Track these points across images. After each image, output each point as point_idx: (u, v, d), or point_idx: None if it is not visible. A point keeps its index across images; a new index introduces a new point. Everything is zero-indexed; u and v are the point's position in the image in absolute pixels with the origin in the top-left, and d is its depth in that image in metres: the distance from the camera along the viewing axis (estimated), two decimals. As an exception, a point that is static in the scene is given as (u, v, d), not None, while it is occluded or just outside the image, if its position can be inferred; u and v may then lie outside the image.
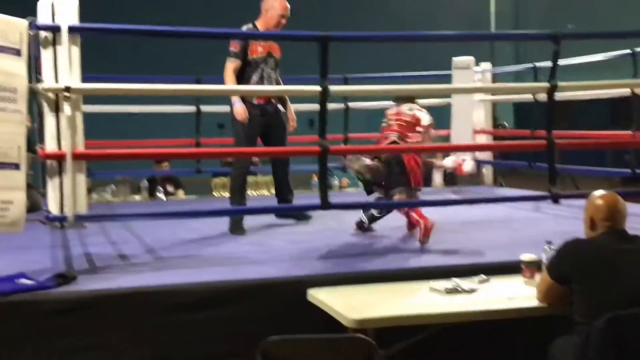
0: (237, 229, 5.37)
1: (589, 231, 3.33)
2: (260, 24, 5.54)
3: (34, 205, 5.80)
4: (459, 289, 3.52)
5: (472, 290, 3.53)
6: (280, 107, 5.71)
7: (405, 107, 5.13)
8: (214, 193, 8.21)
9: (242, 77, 5.43)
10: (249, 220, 5.59)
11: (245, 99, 5.44)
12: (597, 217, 3.28)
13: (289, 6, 5.51)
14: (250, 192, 8.06)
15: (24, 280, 3.67)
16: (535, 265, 3.63)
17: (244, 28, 5.52)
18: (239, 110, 5.35)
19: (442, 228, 5.37)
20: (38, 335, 3.47)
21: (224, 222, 5.65)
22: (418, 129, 5.03)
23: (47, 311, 3.50)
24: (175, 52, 15.61)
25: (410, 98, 5.20)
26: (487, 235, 5.14)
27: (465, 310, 3.33)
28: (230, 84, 5.32)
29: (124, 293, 3.65)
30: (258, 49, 5.46)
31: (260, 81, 5.46)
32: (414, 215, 4.89)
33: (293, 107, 5.75)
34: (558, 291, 3.26)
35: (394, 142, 5.02)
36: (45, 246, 4.89)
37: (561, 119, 6.66)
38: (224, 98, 8.12)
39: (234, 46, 5.40)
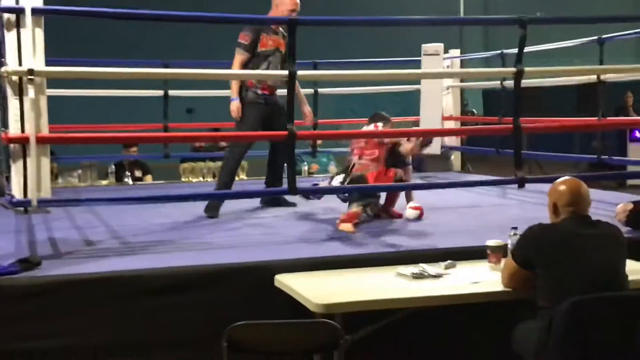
0: (212, 210, 5.36)
1: (552, 217, 3.36)
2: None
3: (-1, 189, 5.73)
4: (426, 274, 3.54)
5: (438, 275, 3.55)
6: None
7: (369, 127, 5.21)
8: (182, 178, 8.15)
9: (249, 69, 5.45)
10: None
11: (250, 88, 5.45)
12: (560, 203, 3.31)
13: (298, 1, 5.50)
14: (208, 179, 8.03)
15: (-14, 266, 3.62)
16: (501, 251, 3.65)
17: None
18: (234, 108, 5.40)
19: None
20: (1, 320, 3.43)
21: (192, 207, 5.63)
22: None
23: (10, 296, 3.46)
24: (146, 37, 15.51)
25: (378, 118, 5.24)
26: (454, 221, 5.17)
27: (431, 295, 3.34)
28: (234, 76, 5.32)
29: (89, 278, 3.62)
30: (268, 43, 5.48)
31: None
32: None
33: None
34: (522, 276, 3.30)
35: (353, 165, 5.05)
36: (8, 231, 4.83)
37: (528, 106, 6.72)
38: (192, 83, 8.10)
39: (244, 38, 5.39)
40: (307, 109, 5.88)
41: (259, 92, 5.52)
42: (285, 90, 4.61)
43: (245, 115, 5.48)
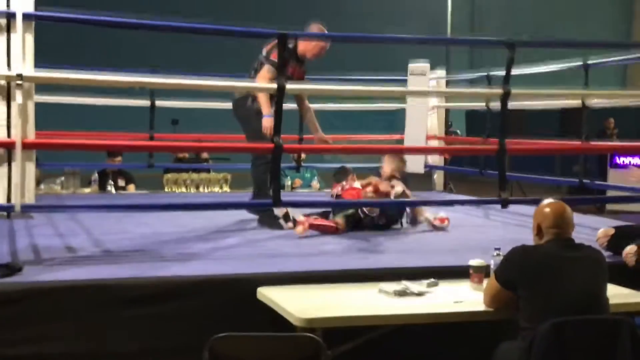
0: (273, 224, 5.37)
1: (536, 238, 3.39)
2: (302, 47, 5.52)
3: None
4: (408, 292, 3.55)
5: (420, 293, 3.56)
6: None
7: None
8: (165, 189, 8.14)
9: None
10: (202, 218, 5.57)
11: (250, 97, 5.43)
12: (544, 225, 3.34)
13: (327, 47, 5.55)
14: (202, 189, 8.04)
15: (-32, 270, 3.59)
16: (483, 271, 3.67)
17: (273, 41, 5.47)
18: (268, 125, 5.19)
19: (392, 230, 5.44)
20: (-20, 325, 3.41)
21: (174, 217, 5.63)
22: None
23: (-10, 302, 3.44)
24: (135, 45, 15.50)
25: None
26: (437, 239, 5.19)
27: (413, 313, 3.35)
28: (260, 91, 5.29)
29: (71, 285, 3.60)
30: (289, 70, 5.36)
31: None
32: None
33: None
34: (505, 296, 3.32)
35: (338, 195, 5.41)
36: (-10, 236, 4.80)
37: (512, 129, 6.75)
38: (178, 93, 8.08)
39: (276, 57, 5.22)
40: (322, 136, 5.84)
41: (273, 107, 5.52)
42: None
43: (257, 121, 5.40)
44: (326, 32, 5.54)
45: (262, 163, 5.44)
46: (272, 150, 4.57)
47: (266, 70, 5.33)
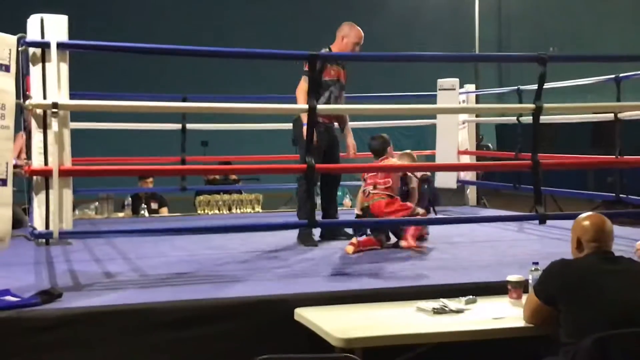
0: (308, 240, 5.44)
1: (575, 252, 3.36)
2: (335, 49, 5.65)
3: (18, 221, 5.76)
4: (446, 309, 3.53)
5: (459, 311, 3.54)
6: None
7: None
8: (198, 211, 8.19)
9: (329, 97, 5.54)
10: (236, 239, 5.58)
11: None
12: (584, 238, 3.30)
13: (363, 34, 5.68)
14: (234, 210, 8.07)
15: (8, 297, 3.63)
16: (521, 286, 3.64)
17: (323, 50, 5.59)
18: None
19: (427, 248, 5.41)
20: (22, 352, 3.43)
21: (208, 239, 5.66)
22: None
23: (31, 328, 3.46)
24: (166, 71, 15.71)
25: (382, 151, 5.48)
26: (473, 256, 5.15)
27: (452, 331, 3.33)
28: (302, 102, 5.31)
29: (109, 311, 3.63)
30: (331, 72, 5.58)
31: (328, 102, 5.56)
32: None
33: (277, 126, 5.77)
34: (545, 312, 3.28)
35: (369, 194, 5.35)
36: (29, 262, 4.86)
37: (545, 142, 6.71)
38: (208, 116, 8.16)
39: (306, 65, 5.41)
40: (352, 142, 5.94)
41: (320, 120, 5.53)
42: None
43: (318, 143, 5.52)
44: (356, 29, 5.64)
45: (304, 183, 5.48)
46: (305, 170, 4.58)
47: (303, 81, 5.43)
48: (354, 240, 5.25)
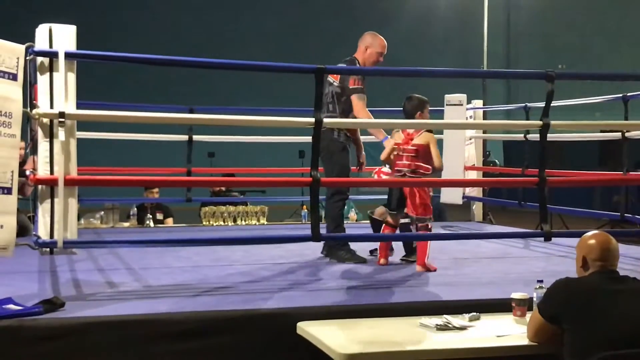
0: (354, 257, 5.42)
1: (580, 270, 3.34)
2: (360, 59, 5.64)
3: (23, 228, 5.77)
4: (450, 326, 3.50)
5: (462, 327, 3.52)
6: None
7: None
8: (203, 222, 8.19)
9: (350, 111, 5.52)
10: (240, 251, 5.57)
11: (341, 130, 5.52)
12: (589, 257, 3.29)
13: (386, 44, 5.68)
14: (239, 222, 8.07)
15: (11, 306, 3.63)
16: (526, 304, 3.63)
17: (342, 63, 5.59)
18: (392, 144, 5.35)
19: (432, 263, 5.39)
20: (23, 361, 3.43)
21: (213, 251, 5.65)
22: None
23: (33, 337, 3.46)
24: (174, 82, 15.76)
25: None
26: (477, 272, 5.13)
27: (455, 348, 3.30)
28: (368, 118, 5.40)
29: (112, 321, 3.62)
30: (362, 84, 5.54)
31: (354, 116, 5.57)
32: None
33: (284, 139, 5.76)
34: (549, 330, 3.26)
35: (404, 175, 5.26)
36: (32, 271, 4.86)
37: (550, 159, 6.68)
38: (215, 128, 8.17)
39: (360, 83, 5.45)
40: (363, 156, 5.96)
41: (348, 134, 5.62)
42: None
43: (343, 157, 5.54)
44: (380, 38, 5.64)
45: (340, 199, 5.48)
46: (310, 184, 4.57)
47: (359, 102, 5.43)
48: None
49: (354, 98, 5.44)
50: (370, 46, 5.62)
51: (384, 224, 5.38)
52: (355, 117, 5.48)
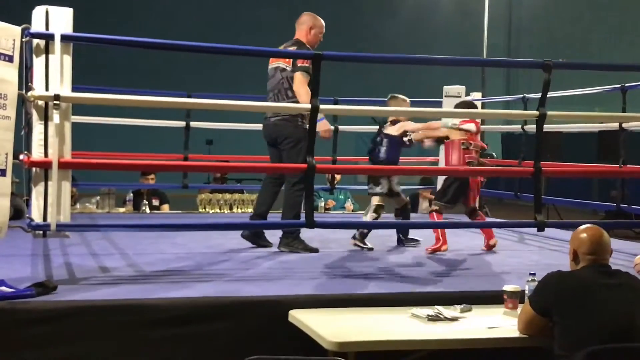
0: (306, 247, 5.40)
1: (572, 264, 3.33)
2: (304, 40, 5.54)
3: (17, 212, 5.76)
4: (441, 317, 3.50)
5: (454, 319, 3.52)
6: None
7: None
8: (199, 209, 8.19)
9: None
10: (235, 238, 5.57)
11: (305, 116, 5.34)
12: (580, 251, 3.28)
13: (323, 30, 5.66)
14: (235, 210, 8.07)
15: (3, 288, 3.62)
16: (518, 296, 3.62)
17: (291, 47, 5.50)
18: (328, 126, 5.32)
19: (425, 254, 5.40)
20: (14, 344, 3.42)
21: (207, 238, 5.64)
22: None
23: (24, 320, 3.45)
24: (172, 69, 15.73)
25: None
26: (471, 264, 5.14)
27: (445, 338, 3.31)
28: (308, 99, 5.09)
29: (104, 305, 3.62)
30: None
31: None
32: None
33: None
34: (539, 323, 3.26)
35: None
36: (25, 254, 4.86)
37: (550, 152, 6.68)
38: (213, 114, 8.14)
39: (307, 62, 5.26)
40: None
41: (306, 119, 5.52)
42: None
43: (304, 143, 5.44)
44: (319, 19, 5.62)
45: (301, 188, 5.43)
46: (305, 171, 4.56)
47: (302, 76, 5.29)
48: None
49: (298, 74, 5.31)
50: (313, 27, 5.57)
51: (435, 213, 5.57)
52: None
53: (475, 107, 5.83)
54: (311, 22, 5.57)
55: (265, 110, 5.33)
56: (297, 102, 5.30)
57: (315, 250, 5.39)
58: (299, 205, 5.43)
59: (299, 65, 5.34)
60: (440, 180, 7.62)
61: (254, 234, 5.58)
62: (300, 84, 5.30)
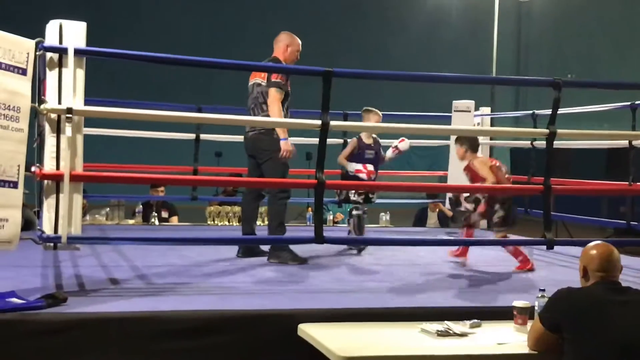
0: (295, 258, 5.43)
1: (582, 281, 3.33)
2: (282, 58, 5.65)
3: (27, 223, 5.79)
4: (450, 332, 3.50)
5: (463, 334, 3.51)
6: None
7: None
8: (208, 221, 8.20)
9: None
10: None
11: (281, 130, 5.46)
12: (590, 267, 3.28)
13: (300, 49, 5.76)
14: (233, 223, 8.07)
15: (14, 299, 3.65)
16: (527, 312, 3.62)
17: (267, 61, 5.61)
18: (288, 148, 5.38)
19: (435, 269, 5.40)
20: (24, 355, 3.44)
21: (216, 250, 5.66)
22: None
23: (35, 331, 3.47)
24: (180, 81, 15.78)
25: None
26: (480, 279, 5.13)
27: (455, 354, 3.30)
28: (278, 115, 5.34)
29: (113, 317, 3.63)
30: (288, 83, 5.56)
31: (287, 113, 5.56)
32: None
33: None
34: (549, 339, 3.25)
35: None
36: (36, 265, 4.88)
37: (558, 168, 6.66)
38: (223, 127, 8.16)
39: (281, 78, 5.42)
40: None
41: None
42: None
43: (286, 161, 5.49)
44: (296, 38, 5.72)
45: (284, 197, 5.48)
46: (315, 186, 4.57)
47: (276, 92, 5.40)
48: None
49: (272, 90, 5.42)
50: (290, 45, 5.68)
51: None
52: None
53: (378, 115, 6.16)
54: (288, 41, 5.70)
55: (275, 126, 5.37)
56: (269, 116, 5.41)
57: (304, 261, 5.42)
58: (283, 213, 5.53)
59: (272, 80, 5.44)
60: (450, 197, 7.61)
61: (250, 250, 5.67)
62: (274, 100, 5.42)
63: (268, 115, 5.42)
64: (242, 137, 8.34)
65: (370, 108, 6.22)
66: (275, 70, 5.47)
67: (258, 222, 7.95)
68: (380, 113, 6.21)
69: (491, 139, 8.70)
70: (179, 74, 15.45)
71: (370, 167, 6.14)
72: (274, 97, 5.41)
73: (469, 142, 5.74)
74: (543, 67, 19.71)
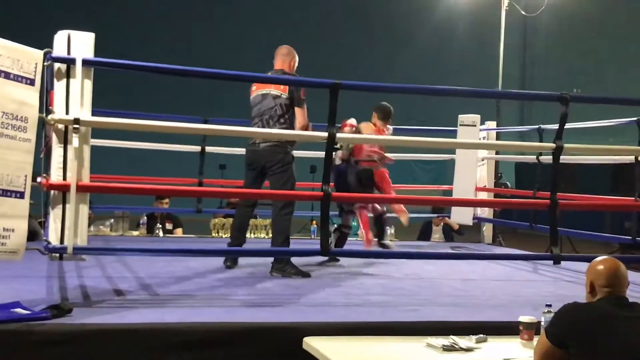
0: (298, 272, 5.42)
1: (589, 296, 3.31)
2: (288, 71, 5.70)
3: (32, 234, 5.79)
4: (456, 347, 3.49)
5: (469, 349, 3.49)
6: None
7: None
8: (212, 233, 8.19)
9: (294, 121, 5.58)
10: (248, 264, 5.57)
11: (293, 145, 5.56)
12: (597, 283, 3.26)
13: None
14: (248, 235, 8.06)
15: (19, 310, 3.64)
16: (533, 328, 3.60)
17: (271, 73, 5.65)
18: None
19: (441, 283, 5.38)
20: (29, 365, 3.44)
21: (220, 261, 5.65)
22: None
23: (39, 342, 3.46)
24: (188, 92, 15.83)
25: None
26: (486, 294, 5.11)
27: (461, 369, 3.29)
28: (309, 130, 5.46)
29: (118, 329, 3.62)
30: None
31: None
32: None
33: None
34: (555, 355, 3.23)
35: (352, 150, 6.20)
36: (41, 276, 4.88)
37: (563, 182, 6.65)
38: (227, 140, 8.18)
39: (304, 93, 5.52)
40: None
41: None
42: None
43: (294, 169, 5.54)
44: (295, 52, 5.79)
45: (289, 211, 5.48)
46: (321, 199, 4.57)
47: (302, 111, 5.51)
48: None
49: (300, 109, 5.51)
50: (293, 59, 5.76)
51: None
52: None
53: (389, 111, 6.46)
54: (292, 55, 5.77)
55: (280, 138, 5.37)
56: (287, 128, 5.47)
57: (307, 275, 5.41)
58: (288, 229, 5.52)
59: (302, 98, 5.51)
60: (455, 210, 7.61)
61: (234, 261, 5.73)
62: (303, 119, 5.51)
63: (285, 128, 5.46)
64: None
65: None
66: (288, 83, 5.47)
67: (262, 235, 8.01)
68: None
69: (497, 153, 8.70)
70: (190, 86, 15.49)
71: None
72: (303, 114, 5.50)
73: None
74: (548, 81, 19.73)
